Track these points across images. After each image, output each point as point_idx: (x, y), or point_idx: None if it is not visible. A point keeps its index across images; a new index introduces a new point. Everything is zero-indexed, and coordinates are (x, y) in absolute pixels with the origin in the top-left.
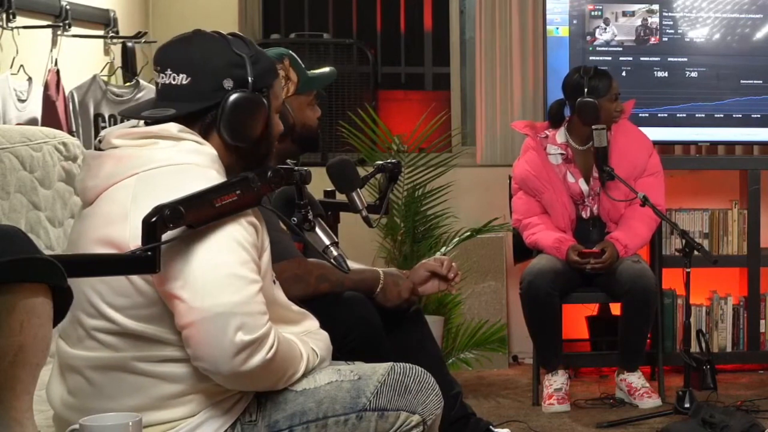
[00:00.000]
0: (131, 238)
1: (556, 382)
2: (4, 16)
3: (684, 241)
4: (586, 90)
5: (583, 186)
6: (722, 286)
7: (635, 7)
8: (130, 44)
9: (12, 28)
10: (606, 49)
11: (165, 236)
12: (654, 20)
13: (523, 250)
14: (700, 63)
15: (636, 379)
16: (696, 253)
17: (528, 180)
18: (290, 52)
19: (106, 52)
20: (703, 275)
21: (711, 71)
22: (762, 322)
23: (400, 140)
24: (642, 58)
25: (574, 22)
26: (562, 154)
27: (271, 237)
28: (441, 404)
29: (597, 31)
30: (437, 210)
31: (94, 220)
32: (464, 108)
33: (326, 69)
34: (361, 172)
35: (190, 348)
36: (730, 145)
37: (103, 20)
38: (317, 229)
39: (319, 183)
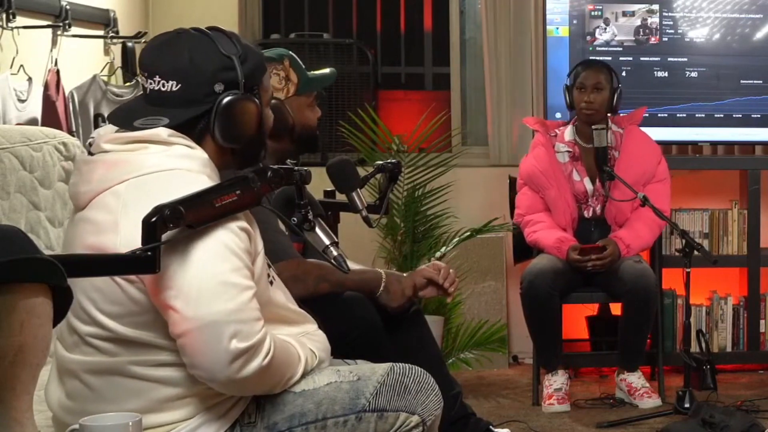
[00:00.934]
0: (121, 248)
1: (556, 382)
2: (4, 16)
3: (684, 241)
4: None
5: (588, 185)
6: (722, 286)
7: (635, 7)
8: (130, 44)
9: (12, 28)
10: (606, 49)
11: (165, 236)
12: (654, 20)
13: (523, 250)
14: (700, 63)
15: (636, 379)
16: (696, 253)
17: (534, 176)
18: (290, 52)
19: (106, 52)
20: (703, 275)
21: (711, 71)
22: (762, 322)
23: (400, 140)
24: (642, 58)
25: (574, 22)
26: (569, 151)
27: (270, 238)
28: (441, 404)
29: (597, 31)
30: (437, 210)
31: (86, 226)
32: (464, 108)
33: (326, 70)
34: (361, 172)
35: (185, 357)
36: (730, 145)
37: (103, 20)
38: (317, 229)
39: (319, 183)
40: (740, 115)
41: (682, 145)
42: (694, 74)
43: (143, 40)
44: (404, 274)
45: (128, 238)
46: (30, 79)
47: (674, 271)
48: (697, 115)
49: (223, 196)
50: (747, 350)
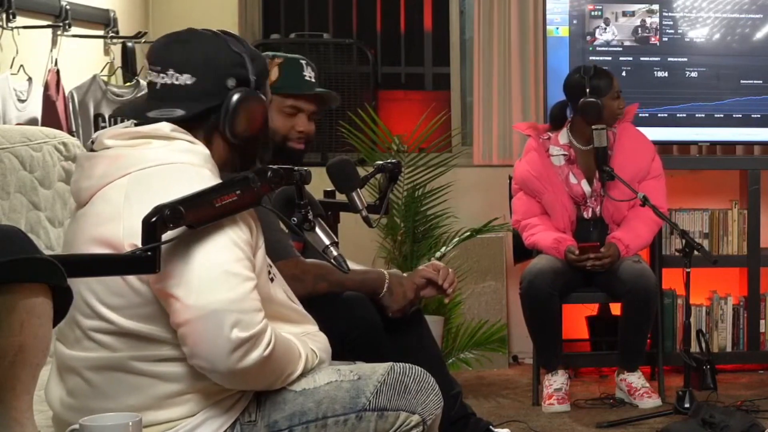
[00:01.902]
0: (125, 237)
1: (556, 382)
2: (4, 16)
3: (684, 241)
4: (588, 90)
5: (586, 187)
6: (722, 286)
7: (635, 7)
8: (130, 44)
9: (12, 28)
10: (606, 49)
11: (165, 236)
12: (654, 20)
13: (523, 250)
14: (700, 63)
15: (636, 379)
16: (696, 253)
17: (528, 181)
18: (300, 59)
19: (106, 52)
20: (703, 275)
21: (711, 71)
22: (762, 322)
23: (400, 140)
24: (642, 58)
25: (574, 22)
26: (564, 155)
27: (269, 237)
28: (441, 404)
29: (597, 31)
30: (437, 210)
31: (88, 219)
32: (464, 108)
33: (321, 90)
34: (361, 172)
35: (186, 346)
36: (730, 145)
37: (103, 20)
38: (317, 229)
39: (319, 183)
40: (740, 115)
41: (683, 145)
42: (694, 74)
43: (143, 40)
44: (406, 275)
45: (131, 229)
46: (30, 79)
47: (674, 271)
48: (697, 115)
49: (223, 196)
50: (747, 350)
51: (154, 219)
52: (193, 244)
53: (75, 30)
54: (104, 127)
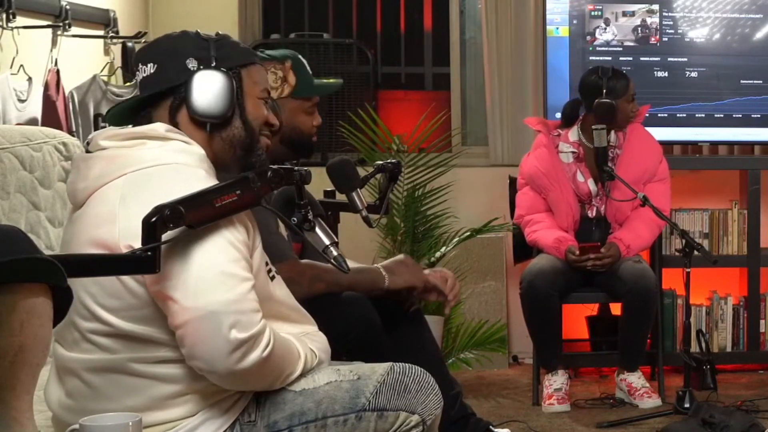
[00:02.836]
0: (120, 238)
1: (556, 382)
2: (4, 16)
3: (684, 241)
4: (604, 91)
5: (592, 186)
6: (722, 286)
7: (635, 7)
8: (130, 44)
9: (12, 28)
10: (606, 49)
11: (165, 236)
12: (654, 20)
13: (523, 250)
14: (700, 63)
15: (636, 379)
16: (696, 253)
17: (536, 177)
18: (298, 55)
19: (106, 52)
20: (703, 275)
21: (711, 71)
22: (762, 322)
23: (400, 140)
24: (642, 58)
25: (574, 22)
26: (574, 152)
27: (264, 239)
28: (440, 404)
29: (597, 31)
30: (437, 210)
31: (85, 221)
32: (464, 108)
33: (332, 80)
34: (361, 172)
35: (184, 348)
36: (730, 145)
37: (103, 20)
38: (317, 229)
39: (319, 183)
40: (740, 115)
41: (683, 145)
42: (694, 74)
43: (143, 40)
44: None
45: (127, 230)
46: (30, 79)
47: (674, 271)
48: (697, 115)
49: (223, 196)
50: (747, 350)
51: (154, 219)
52: (189, 246)
53: (75, 30)
54: (104, 127)
